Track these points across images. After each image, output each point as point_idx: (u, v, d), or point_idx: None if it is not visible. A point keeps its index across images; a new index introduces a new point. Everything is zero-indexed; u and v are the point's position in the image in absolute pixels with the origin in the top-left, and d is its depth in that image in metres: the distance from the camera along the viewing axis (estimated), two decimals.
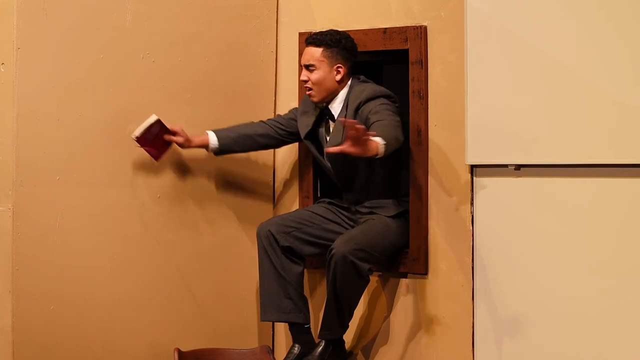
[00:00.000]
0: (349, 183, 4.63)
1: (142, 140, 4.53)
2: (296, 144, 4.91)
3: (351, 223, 4.63)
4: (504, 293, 4.37)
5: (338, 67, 4.54)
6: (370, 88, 4.50)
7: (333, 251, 4.33)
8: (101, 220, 4.52)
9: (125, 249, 4.58)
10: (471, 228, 4.46)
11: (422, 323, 4.61)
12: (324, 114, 4.64)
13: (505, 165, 4.35)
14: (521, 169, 4.33)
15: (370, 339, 4.74)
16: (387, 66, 5.13)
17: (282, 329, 4.91)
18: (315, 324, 4.76)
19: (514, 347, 4.35)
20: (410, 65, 4.60)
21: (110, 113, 4.53)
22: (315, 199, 4.90)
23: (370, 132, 3.97)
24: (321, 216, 4.65)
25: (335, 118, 4.56)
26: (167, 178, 4.71)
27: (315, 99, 4.58)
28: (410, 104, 4.60)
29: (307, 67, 4.55)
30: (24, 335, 4.33)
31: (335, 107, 4.58)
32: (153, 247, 4.66)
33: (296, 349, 4.56)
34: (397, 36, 4.64)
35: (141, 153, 4.59)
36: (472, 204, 4.46)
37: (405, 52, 4.63)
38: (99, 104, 4.50)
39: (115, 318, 4.55)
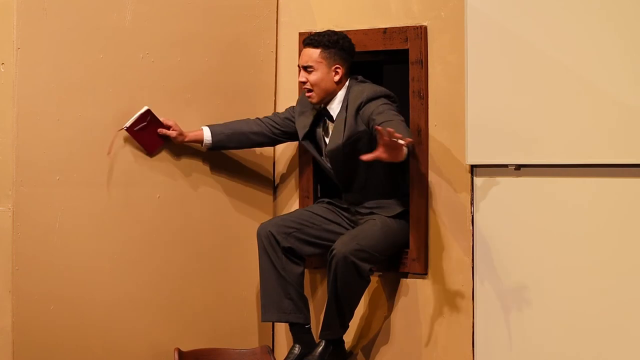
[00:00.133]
0: (349, 183, 4.63)
1: (134, 131, 4.53)
2: (296, 143, 4.91)
3: (351, 223, 4.63)
4: (503, 293, 4.37)
5: (336, 67, 4.54)
6: (370, 88, 4.50)
7: (334, 251, 4.33)
8: (101, 220, 4.52)
9: (125, 249, 4.58)
10: (471, 228, 4.46)
11: (422, 323, 4.61)
12: (321, 115, 4.64)
13: (505, 165, 4.36)
14: (521, 169, 4.33)
15: (370, 339, 4.74)
16: (387, 66, 5.13)
17: (282, 329, 4.91)
18: (316, 324, 4.76)
19: (514, 347, 4.35)
20: (410, 65, 4.60)
21: (110, 113, 4.53)
22: (315, 199, 4.90)
23: (407, 139, 3.94)
24: (321, 217, 4.65)
25: (334, 118, 4.56)
26: (167, 178, 4.71)
27: (313, 100, 4.58)
28: (410, 104, 4.60)
29: (306, 68, 4.55)
30: (24, 335, 4.33)
31: (334, 108, 4.58)
32: (153, 247, 4.66)
33: (297, 349, 4.56)
34: (397, 36, 4.64)
35: (141, 153, 4.59)
36: (472, 204, 4.46)
37: (405, 52, 4.63)
38: (99, 104, 4.50)
39: (115, 318, 4.55)
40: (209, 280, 4.81)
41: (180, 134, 4.66)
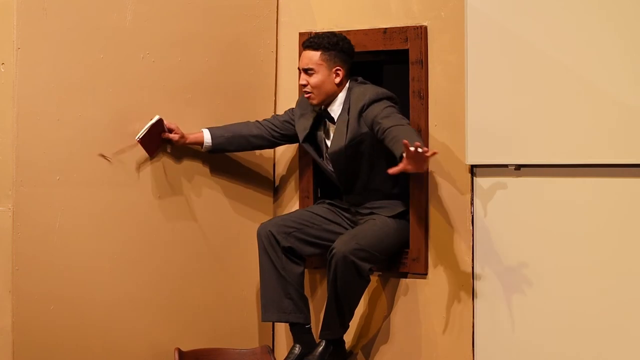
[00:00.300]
0: (351, 185, 4.62)
1: (143, 140, 4.54)
2: (296, 145, 4.91)
3: (352, 224, 4.63)
4: (504, 293, 4.37)
5: (337, 69, 4.54)
6: (372, 90, 4.50)
7: (334, 251, 4.33)
8: (101, 220, 4.51)
9: (125, 249, 4.58)
10: (471, 228, 4.46)
11: (422, 323, 4.61)
12: (321, 117, 4.63)
13: (505, 165, 4.36)
14: (521, 169, 4.33)
15: (370, 339, 4.74)
16: (387, 66, 5.13)
17: (282, 329, 4.91)
18: (316, 324, 4.76)
19: (514, 347, 4.35)
20: (410, 65, 4.60)
21: (110, 113, 4.52)
22: (315, 199, 4.90)
23: (433, 151, 4.00)
24: (322, 217, 4.65)
25: (335, 120, 4.56)
26: (167, 178, 4.71)
27: (314, 102, 4.58)
28: (410, 104, 4.60)
29: (306, 70, 4.54)
30: (24, 335, 4.33)
31: (335, 110, 4.58)
32: (153, 247, 4.66)
33: (297, 349, 4.56)
34: (397, 36, 4.64)
35: (141, 153, 4.59)
36: (472, 204, 4.46)
37: (405, 52, 4.63)
38: (99, 104, 4.50)
39: (115, 318, 4.55)
40: (209, 280, 4.81)
41: (182, 136, 4.67)
